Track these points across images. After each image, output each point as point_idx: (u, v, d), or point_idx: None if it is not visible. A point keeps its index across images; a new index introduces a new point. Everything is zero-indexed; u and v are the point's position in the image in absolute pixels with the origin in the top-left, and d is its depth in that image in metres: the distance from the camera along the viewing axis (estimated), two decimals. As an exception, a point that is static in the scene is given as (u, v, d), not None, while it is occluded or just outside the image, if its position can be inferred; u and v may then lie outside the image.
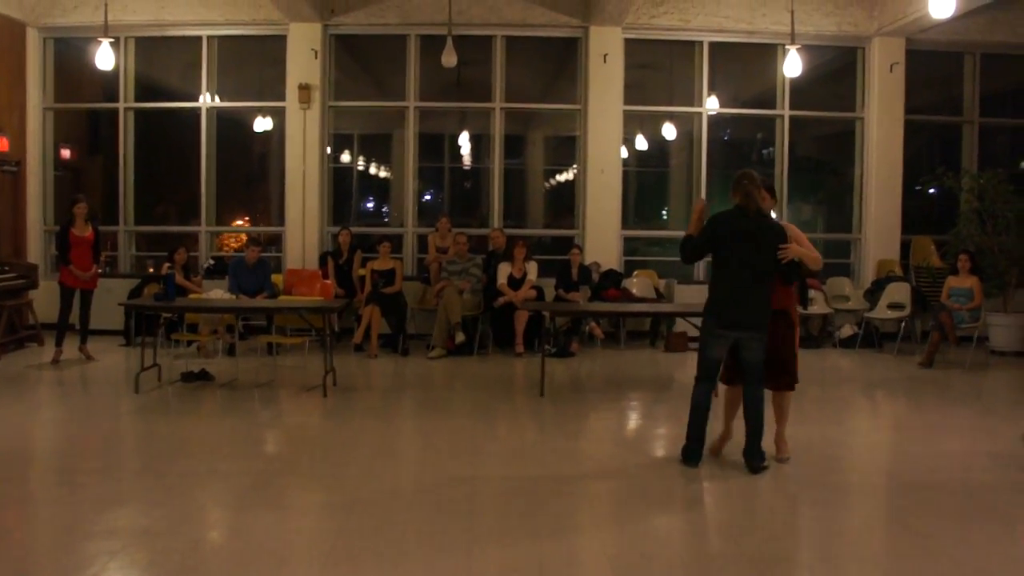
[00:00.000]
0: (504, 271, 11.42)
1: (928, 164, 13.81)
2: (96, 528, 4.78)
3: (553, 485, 5.74)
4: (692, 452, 6.08)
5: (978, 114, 13.48)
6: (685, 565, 4.47)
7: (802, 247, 6.03)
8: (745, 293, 5.90)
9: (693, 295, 12.00)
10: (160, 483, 5.62)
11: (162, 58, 13.43)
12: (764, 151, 14.35)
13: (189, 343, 10.57)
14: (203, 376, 9.05)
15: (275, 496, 5.47)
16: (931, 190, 13.57)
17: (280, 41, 12.58)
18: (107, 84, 13.03)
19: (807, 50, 11.71)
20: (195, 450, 6.68)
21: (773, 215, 6.35)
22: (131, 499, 5.34)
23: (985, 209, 11.60)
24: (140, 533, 4.72)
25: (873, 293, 12.13)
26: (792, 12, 11.35)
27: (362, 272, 11.72)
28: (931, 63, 13.38)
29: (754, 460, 5.97)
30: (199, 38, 12.74)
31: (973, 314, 10.73)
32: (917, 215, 13.48)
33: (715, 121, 13.35)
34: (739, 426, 6.17)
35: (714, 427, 6.36)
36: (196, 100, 12.87)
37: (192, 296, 10.29)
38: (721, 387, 6.54)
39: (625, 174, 13.10)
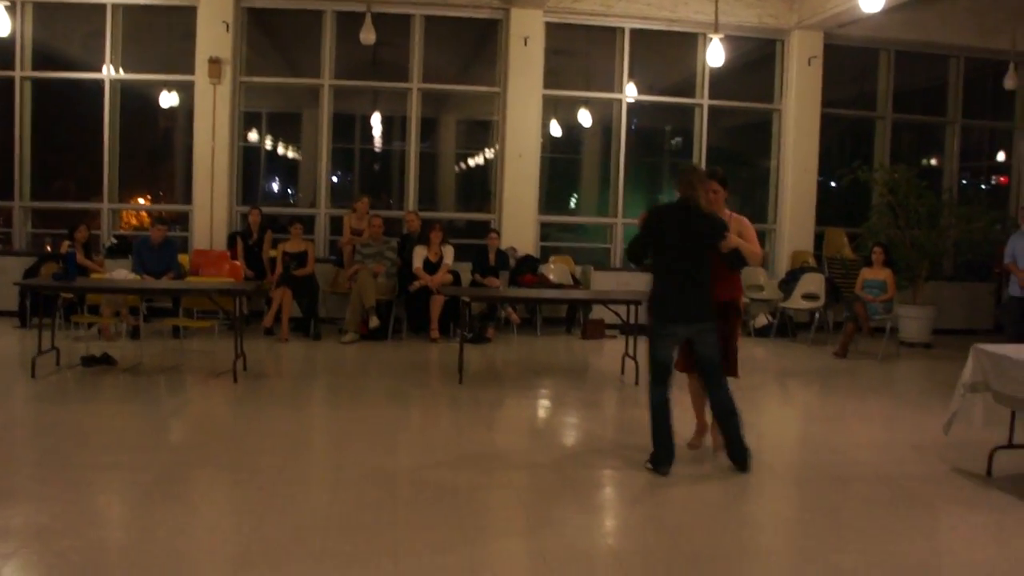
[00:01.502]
0: (420, 255, 11.20)
1: (841, 158, 14.06)
2: (-12, 527, 4.45)
3: (476, 476, 5.58)
4: (660, 458, 5.74)
5: (891, 110, 13.72)
6: (619, 558, 4.35)
7: (746, 240, 5.98)
8: (688, 286, 5.77)
9: (609, 282, 12.03)
10: (58, 477, 5.27)
11: (63, 25, 12.80)
12: (674, 140, 14.42)
13: (90, 325, 10.12)
14: (105, 360, 8.63)
15: (184, 491, 5.19)
16: (833, 183, 13.80)
17: (189, 13, 12.08)
18: (3, 51, 12.35)
19: (727, 40, 11.73)
20: (96, 440, 6.31)
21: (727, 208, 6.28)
22: (26, 495, 4.97)
23: (898, 203, 11.82)
24: (36, 533, 4.38)
25: (787, 283, 12.27)
26: (716, 2, 11.35)
27: (273, 253, 11.40)
28: (847, 58, 13.59)
29: (739, 459, 5.83)
30: (103, 6, 12.15)
31: (886, 306, 10.91)
32: (830, 207, 13.67)
33: (634, 108, 13.30)
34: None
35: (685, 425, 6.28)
36: (99, 71, 12.31)
37: (94, 276, 9.87)
38: (683, 379, 6.37)
39: (541, 159, 12.97)
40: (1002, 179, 14.89)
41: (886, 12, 10.81)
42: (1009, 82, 12.76)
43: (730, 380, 6.04)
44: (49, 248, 12.23)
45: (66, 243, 10.29)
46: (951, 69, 13.99)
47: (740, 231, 6.01)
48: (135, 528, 4.58)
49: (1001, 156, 14.85)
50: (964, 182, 14.51)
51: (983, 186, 15.07)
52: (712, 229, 5.76)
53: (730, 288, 6.11)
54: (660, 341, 5.84)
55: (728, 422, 5.87)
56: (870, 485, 5.73)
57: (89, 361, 8.58)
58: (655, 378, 5.85)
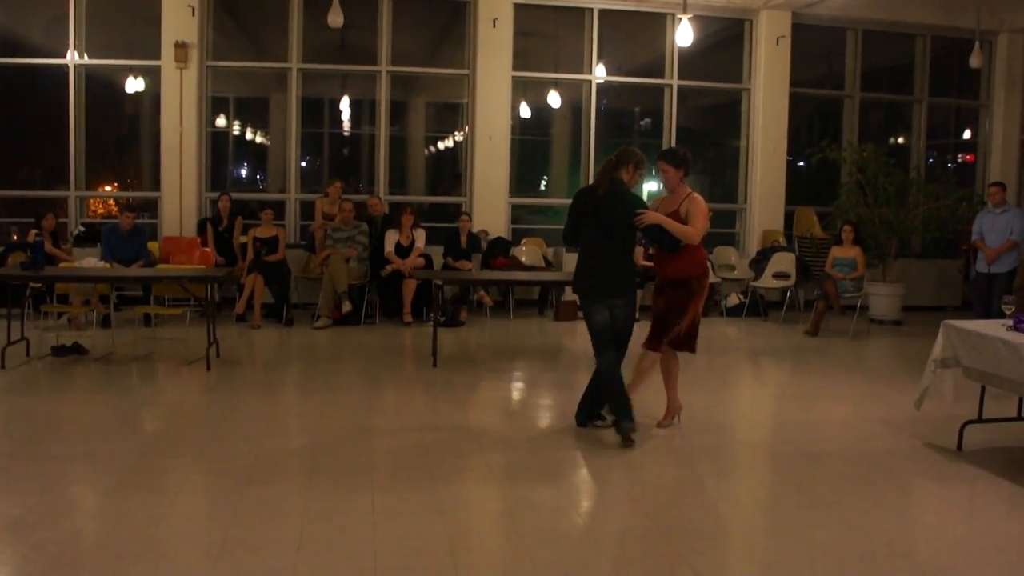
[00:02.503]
0: (391, 239, 11.16)
1: (810, 137, 14.14)
2: (-39, 520, 4.40)
3: (451, 459, 5.59)
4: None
5: (859, 89, 13.81)
6: (595, 538, 4.37)
7: (692, 220, 6.06)
8: (604, 263, 6.08)
9: (582, 264, 11.99)
10: (32, 468, 5.21)
11: (25, 11, 12.57)
12: (643, 121, 14.44)
13: (60, 315, 10.02)
14: (76, 350, 8.55)
15: (159, 480, 5.15)
16: (803, 162, 13.87)
17: (155, -4, 11.94)
18: (-38, 38, 12.18)
19: (696, 20, 11.71)
20: (69, 431, 6.25)
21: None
22: None
23: (867, 181, 11.90)
24: (10, 525, 4.33)
25: (758, 263, 12.34)
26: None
27: (243, 239, 11.32)
28: (815, 38, 13.64)
29: (623, 426, 5.91)
30: (66, -10, 11.98)
31: (856, 283, 11.00)
32: (800, 186, 13.75)
33: (603, 89, 13.30)
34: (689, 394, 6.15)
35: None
36: (63, 57, 12.12)
37: (63, 265, 9.75)
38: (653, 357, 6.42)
39: (511, 141, 12.92)
40: (968, 157, 15.04)
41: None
42: (975, 61, 12.87)
43: (687, 356, 6.34)
44: (16, 237, 12.05)
45: (33, 232, 10.13)
46: (917, 48, 14.09)
47: (689, 210, 6.11)
48: (111, 518, 4.55)
49: (967, 134, 14.98)
50: (931, 160, 14.63)
51: (950, 164, 15.20)
52: (620, 208, 6.00)
53: (684, 266, 6.18)
54: (590, 311, 6.12)
55: (609, 389, 6.05)
56: (843, 461, 5.79)
57: (60, 351, 8.49)
58: (599, 346, 6.08)
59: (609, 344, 6.08)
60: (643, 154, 6.22)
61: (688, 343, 6.31)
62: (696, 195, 6.20)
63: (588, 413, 6.38)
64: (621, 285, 6.10)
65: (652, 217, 6.02)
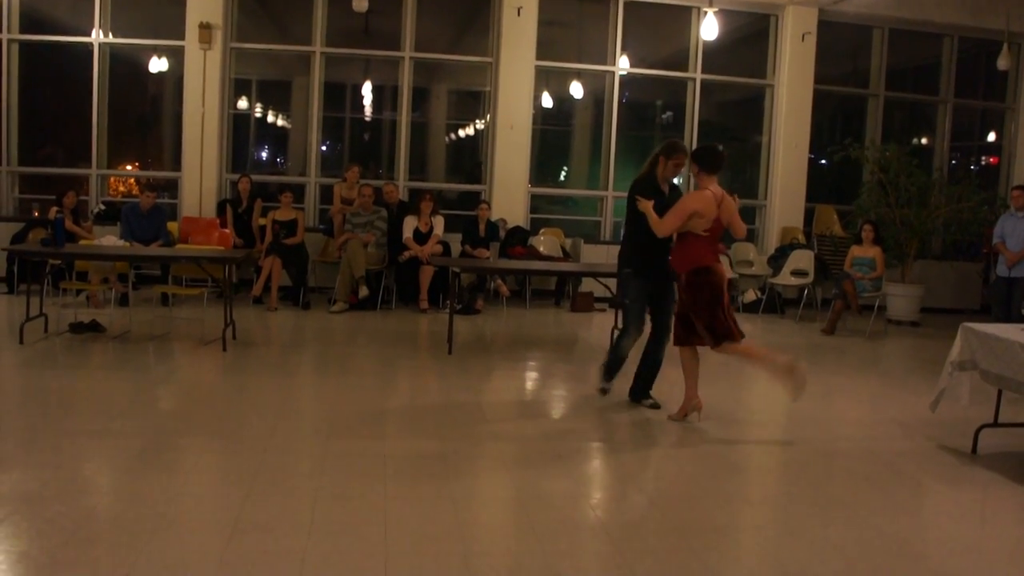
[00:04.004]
0: (410, 225, 11.17)
1: (832, 135, 14.07)
2: (-23, 493, 4.44)
3: (465, 447, 5.60)
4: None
5: (883, 88, 13.72)
6: (607, 530, 4.37)
7: (671, 212, 6.21)
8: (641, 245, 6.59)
9: (599, 255, 12.04)
10: (47, 444, 5.25)
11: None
12: (665, 114, 14.39)
13: (78, 292, 10.07)
14: (93, 327, 8.60)
15: (173, 458, 5.18)
16: (824, 160, 13.81)
17: (181, -24, 11.97)
18: (-11, 13, 12.22)
19: (721, 14, 11.67)
20: (85, 407, 6.31)
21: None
22: (15, 462, 4.95)
23: (889, 181, 11.84)
24: (25, 499, 4.36)
25: (777, 259, 12.31)
26: (711, -26, 11.30)
27: (263, 221, 11.35)
28: (841, 35, 13.58)
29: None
30: (93, -32, 12.02)
31: (875, 283, 10.95)
32: (820, 184, 13.68)
33: (626, 81, 13.26)
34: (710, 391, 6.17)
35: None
36: (88, 35, 12.18)
37: (82, 242, 9.79)
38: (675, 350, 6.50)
39: (532, 131, 12.90)
40: (992, 159, 14.93)
41: (880, -11, 10.79)
42: (1002, 62, 12.77)
43: (705, 351, 6.41)
44: (37, 214, 12.14)
45: (54, 209, 10.20)
46: (944, 48, 13.99)
47: (678, 204, 6.27)
48: (125, 495, 4.58)
49: (992, 136, 14.87)
50: (954, 162, 14.55)
51: (973, 166, 15.10)
52: (631, 193, 6.49)
53: (674, 260, 6.40)
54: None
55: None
56: (857, 461, 5.77)
57: (77, 328, 8.54)
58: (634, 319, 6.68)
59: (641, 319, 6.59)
60: (675, 145, 6.48)
61: (707, 338, 6.25)
62: (697, 192, 6.26)
63: (640, 392, 6.81)
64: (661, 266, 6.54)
65: (641, 205, 6.33)
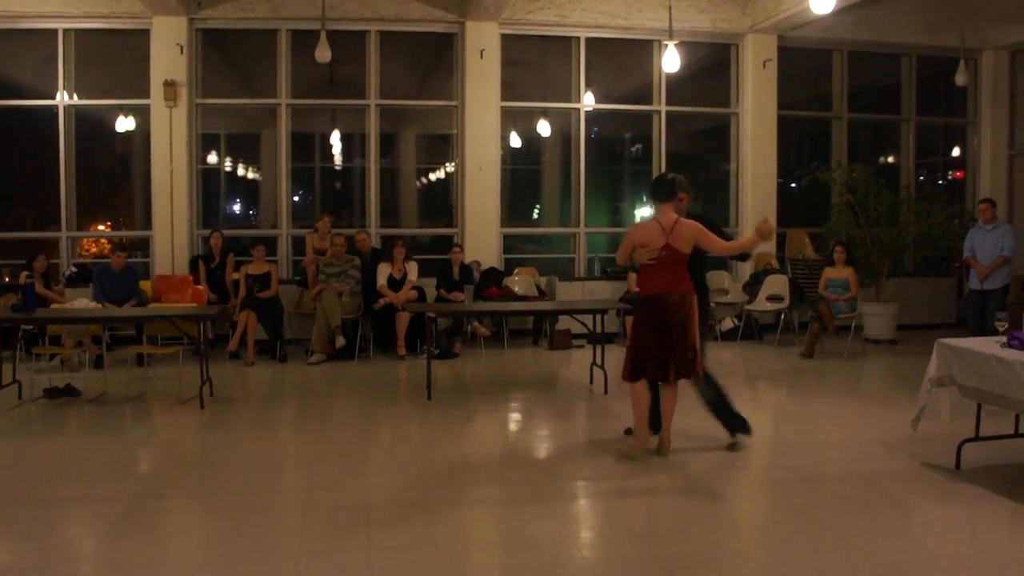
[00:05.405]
0: (384, 272, 11.15)
1: (799, 159, 14.20)
2: (-47, 568, 4.35)
3: (448, 493, 5.55)
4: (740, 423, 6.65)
5: (847, 110, 13.88)
6: (593, 570, 4.33)
7: None
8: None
9: (575, 292, 12.07)
10: (25, 512, 5.17)
11: (14, 52, 12.58)
12: (633, 148, 14.49)
13: (52, 357, 9.97)
14: (68, 392, 8.50)
15: (154, 521, 5.10)
16: (793, 184, 13.93)
17: (143, 35, 11.97)
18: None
19: (682, 46, 11.77)
20: (63, 473, 6.22)
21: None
22: (-7, 532, 4.89)
23: (858, 201, 11.95)
24: (3, 571, 4.29)
25: (752, 286, 12.34)
26: (670, 8, 11.40)
27: (236, 276, 11.29)
28: (802, 60, 13.75)
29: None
30: (54, 31, 12.00)
31: (850, 304, 11.01)
32: (791, 208, 13.77)
33: (592, 117, 13.35)
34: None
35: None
36: (53, 98, 12.16)
37: (54, 306, 9.71)
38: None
39: (502, 171, 12.95)
40: (958, 174, 15.09)
41: (837, 13, 10.93)
42: (960, 78, 12.97)
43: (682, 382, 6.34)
44: (7, 279, 12.01)
45: (24, 274, 10.12)
46: (903, 67, 14.17)
47: None
48: (105, 562, 4.51)
49: (956, 151, 15.03)
50: (921, 178, 14.70)
51: (940, 182, 15.26)
52: None
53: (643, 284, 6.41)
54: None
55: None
56: (842, 484, 5.76)
57: (52, 393, 8.44)
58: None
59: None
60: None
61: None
62: (640, 223, 6.55)
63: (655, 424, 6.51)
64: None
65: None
